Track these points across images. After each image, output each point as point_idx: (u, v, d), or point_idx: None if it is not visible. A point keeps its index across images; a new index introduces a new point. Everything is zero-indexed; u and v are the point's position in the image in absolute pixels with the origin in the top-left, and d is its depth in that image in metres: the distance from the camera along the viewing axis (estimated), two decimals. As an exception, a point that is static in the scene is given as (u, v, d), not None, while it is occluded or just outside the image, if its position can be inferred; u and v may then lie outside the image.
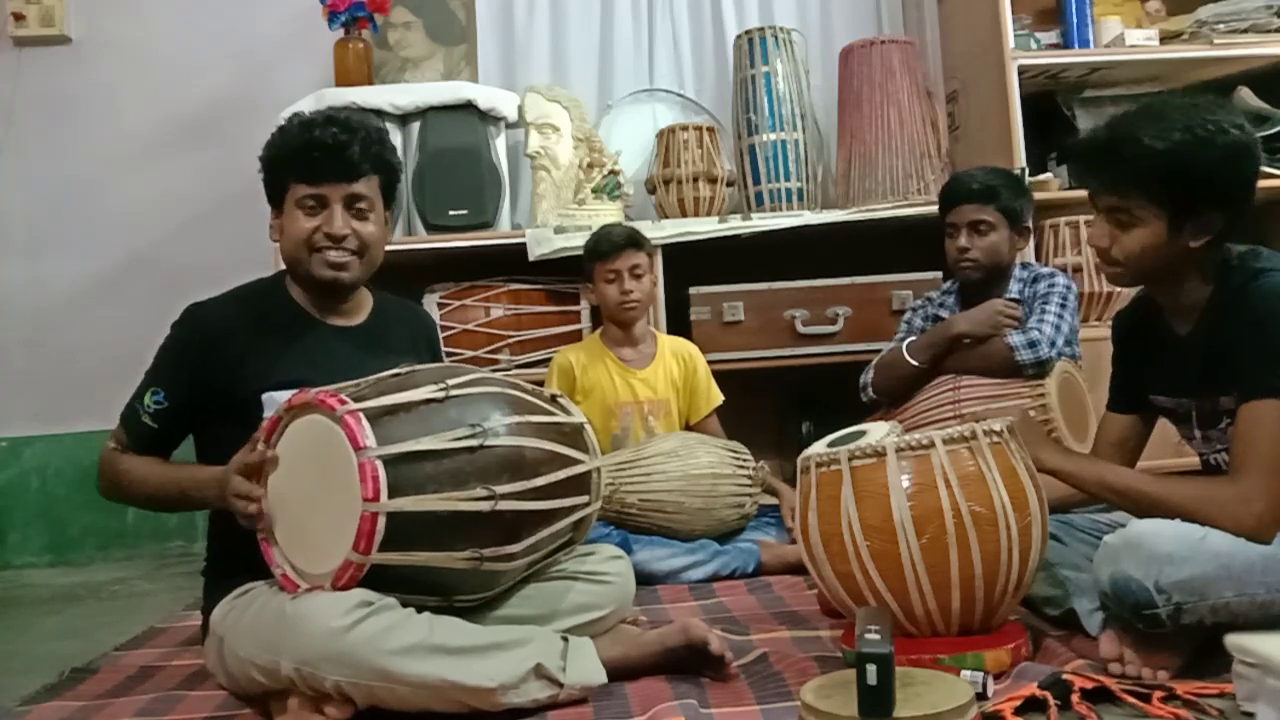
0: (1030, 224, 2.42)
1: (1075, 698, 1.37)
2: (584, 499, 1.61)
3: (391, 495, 1.39)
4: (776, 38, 3.19)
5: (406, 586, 1.45)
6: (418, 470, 1.43)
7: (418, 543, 1.42)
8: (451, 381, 1.52)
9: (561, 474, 1.55)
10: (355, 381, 1.52)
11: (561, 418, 1.63)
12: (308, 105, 2.94)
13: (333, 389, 1.48)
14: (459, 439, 1.46)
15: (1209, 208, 1.52)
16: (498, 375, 1.66)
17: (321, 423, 1.46)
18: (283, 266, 1.78)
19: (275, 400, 1.57)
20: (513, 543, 1.50)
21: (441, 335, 2.91)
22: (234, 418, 1.62)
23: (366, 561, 1.39)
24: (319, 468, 1.45)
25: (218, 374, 1.66)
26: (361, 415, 1.42)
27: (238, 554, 1.57)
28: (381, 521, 1.38)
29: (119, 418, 1.72)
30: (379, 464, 1.39)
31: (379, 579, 1.42)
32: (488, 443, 1.48)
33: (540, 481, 1.52)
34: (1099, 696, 1.39)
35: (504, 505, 1.47)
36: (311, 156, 1.68)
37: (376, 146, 1.73)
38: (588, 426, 1.67)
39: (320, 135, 1.68)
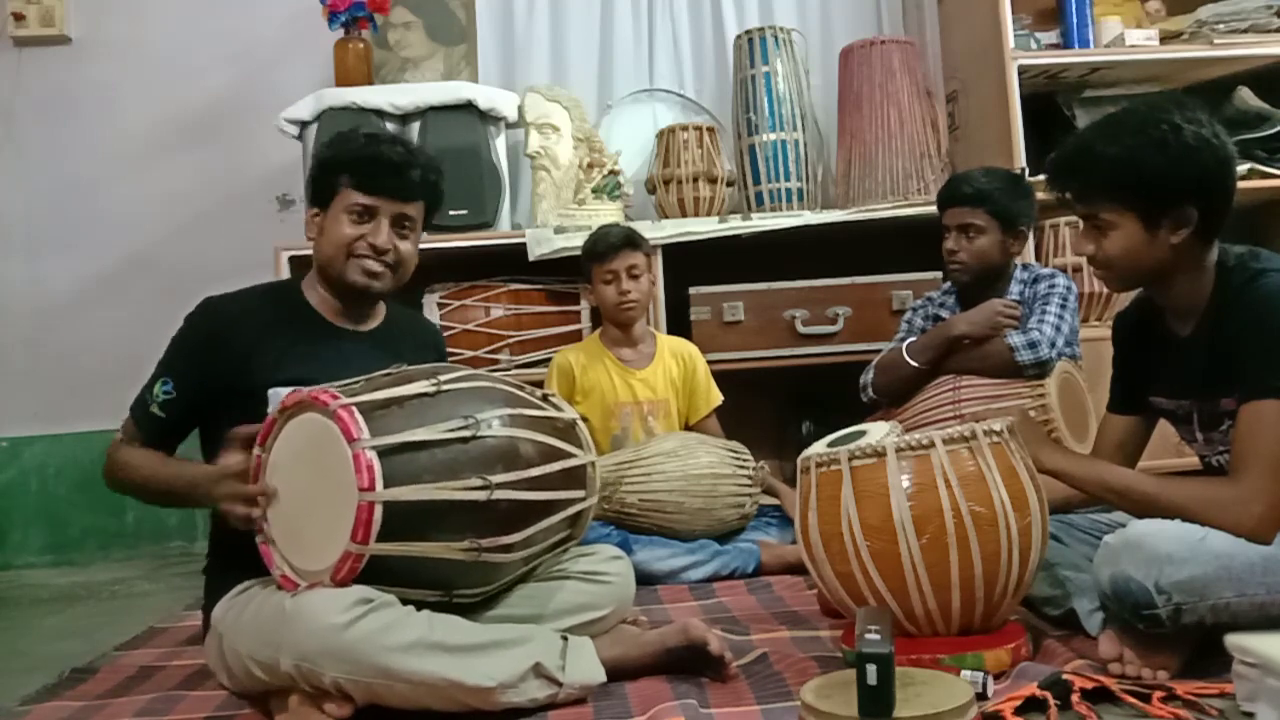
0: (1027, 226, 2.40)
1: (1075, 698, 1.37)
2: (580, 493, 1.61)
3: (387, 485, 1.39)
4: (776, 38, 3.18)
5: (406, 581, 1.45)
6: (413, 461, 1.43)
7: (415, 533, 1.42)
8: (443, 377, 1.53)
9: (556, 466, 1.55)
10: (348, 381, 1.53)
11: (554, 413, 1.63)
12: (308, 105, 2.96)
13: (325, 387, 1.48)
14: (453, 430, 1.47)
15: (1179, 203, 1.53)
16: (490, 373, 1.67)
17: (315, 419, 1.46)
18: (286, 271, 1.78)
19: (280, 395, 1.57)
20: (510, 533, 1.49)
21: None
22: (239, 411, 1.62)
23: (365, 552, 1.39)
24: (314, 464, 1.45)
25: (226, 367, 1.67)
26: (354, 409, 1.43)
27: (239, 552, 1.57)
28: (378, 511, 1.38)
29: (129, 407, 1.73)
30: (373, 454, 1.40)
31: (378, 574, 1.42)
32: (481, 434, 1.48)
33: (535, 472, 1.52)
34: (1099, 696, 1.39)
35: (500, 495, 1.47)
36: (375, 168, 1.72)
37: (434, 175, 1.79)
38: (580, 423, 1.67)
39: (387, 150, 1.73)
